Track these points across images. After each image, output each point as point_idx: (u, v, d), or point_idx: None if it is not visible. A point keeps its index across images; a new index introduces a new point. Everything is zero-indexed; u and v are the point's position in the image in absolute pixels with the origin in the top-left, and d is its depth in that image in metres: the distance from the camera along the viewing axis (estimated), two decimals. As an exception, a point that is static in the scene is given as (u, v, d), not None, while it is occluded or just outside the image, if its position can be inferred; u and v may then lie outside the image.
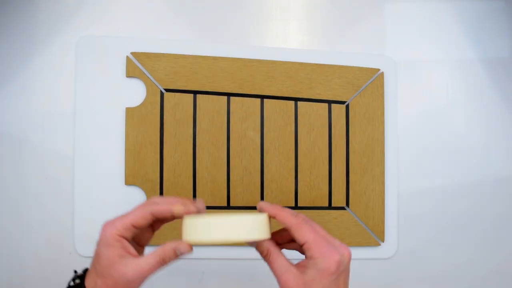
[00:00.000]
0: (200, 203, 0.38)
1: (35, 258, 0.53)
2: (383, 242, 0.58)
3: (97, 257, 0.35)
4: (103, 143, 0.53)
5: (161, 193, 0.53)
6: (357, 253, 0.58)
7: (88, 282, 0.35)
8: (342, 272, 0.35)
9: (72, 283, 0.36)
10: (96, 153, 0.53)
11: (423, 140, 0.60)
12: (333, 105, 0.57)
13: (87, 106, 0.53)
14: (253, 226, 0.36)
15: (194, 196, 0.54)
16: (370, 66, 0.58)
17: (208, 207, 0.54)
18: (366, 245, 0.57)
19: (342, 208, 0.57)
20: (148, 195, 0.53)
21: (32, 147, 0.53)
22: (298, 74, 0.56)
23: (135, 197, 0.54)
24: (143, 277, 0.35)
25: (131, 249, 0.35)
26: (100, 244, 0.35)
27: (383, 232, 0.57)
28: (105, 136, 0.53)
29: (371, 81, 0.58)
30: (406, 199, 0.59)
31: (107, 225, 0.35)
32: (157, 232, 0.54)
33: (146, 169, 0.53)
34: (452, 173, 0.60)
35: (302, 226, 0.36)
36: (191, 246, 0.36)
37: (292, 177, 0.56)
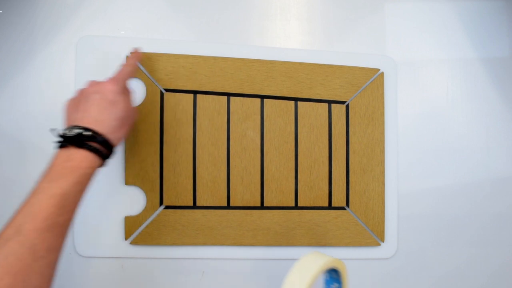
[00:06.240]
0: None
1: (35, 258, 0.53)
2: (383, 242, 0.58)
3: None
4: (103, 143, 0.53)
5: (161, 193, 0.53)
6: (357, 253, 0.58)
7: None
8: None
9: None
10: (96, 153, 0.53)
11: (423, 140, 0.60)
12: (333, 105, 0.57)
13: (87, 106, 0.53)
14: None
15: (194, 196, 0.54)
16: (370, 66, 0.58)
17: (208, 207, 0.54)
18: (366, 245, 0.57)
19: (342, 208, 0.57)
20: (148, 195, 0.53)
21: (32, 147, 0.53)
22: (298, 74, 0.56)
23: (135, 197, 0.54)
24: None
25: None
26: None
27: (383, 232, 0.57)
28: (105, 136, 0.53)
29: (371, 81, 0.58)
30: (406, 199, 0.59)
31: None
32: (154, 233, 0.54)
33: (146, 169, 0.53)
34: (452, 173, 0.60)
35: None
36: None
37: (292, 177, 0.56)
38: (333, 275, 0.43)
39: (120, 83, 0.44)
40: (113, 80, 0.43)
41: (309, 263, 0.38)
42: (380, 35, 0.60)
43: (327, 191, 0.57)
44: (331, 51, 0.58)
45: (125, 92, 0.45)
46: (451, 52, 0.61)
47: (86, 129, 0.39)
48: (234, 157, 0.55)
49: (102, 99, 0.41)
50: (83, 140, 0.39)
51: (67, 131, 0.39)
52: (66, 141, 0.39)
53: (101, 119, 0.40)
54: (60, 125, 0.53)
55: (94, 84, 0.43)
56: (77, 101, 0.42)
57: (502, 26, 0.62)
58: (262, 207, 0.55)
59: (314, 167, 0.56)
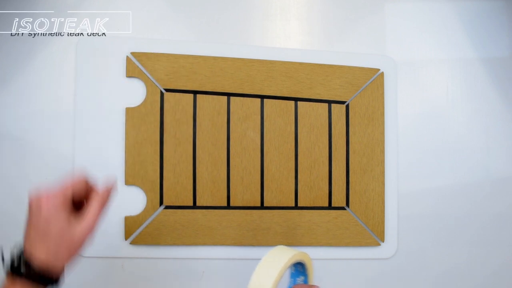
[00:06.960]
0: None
1: (35, 258, 0.53)
2: (383, 242, 0.58)
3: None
4: (103, 143, 0.53)
5: (161, 193, 0.53)
6: (357, 253, 0.58)
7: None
8: None
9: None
10: (96, 153, 0.53)
11: (423, 140, 0.60)
12: (333, 105, 0.57)
13: (87, 106, 0.53)
14: None
15: (194, 196, 0.54)
16: (370, 66, 0.58)
17: (208, 207, 0.54)
18: (366, 245, 0.57)
19: (342, 208, 0.57)
20: (148, 195, 0.53)
21: (32, 147, 0.53)
22: (298, 74, 0.56)
23: (135, 197, 0.54)
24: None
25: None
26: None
27: (383, 232, 0.57)
28: (105, 136, 0.53)
29: (371, 81, 0.58)
30: (406, 199, 0.59)
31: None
32: (154, 233, 0.54)
33: (146, 169, 0.53)
34: (452, 173, 0.60)
35: None
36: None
37: (292, 177, 0.56)
38: (299, 268, 0.42)
39: (58, 199, 0.36)
40: (50, 195, 0.36)
41: (276, 258, 0.38)
42: (380, 35, 0.60)
43: (327, 191, 0.57)
44: (331, 51, 0.58)
45: (66, 209, 0.37)
46: (451, 52, 0.61)
47: (21, 257, 0.35)
48: (234, 157, 0.55)
49: (37, 219, 0.36)
50: (20, 268, 0.35)
51: (9, 256, 0.36)
52: (8, 268, 0.35)
53: (37, 243, 0.35)
54: (60, 125, 0.53)
55: (36, 197, 0.36)
56: (28, 214, 0.37)
57: (502, 26, 0.62)
58: (262, 207, 0.55)
59: (314, 167, 0.56)
